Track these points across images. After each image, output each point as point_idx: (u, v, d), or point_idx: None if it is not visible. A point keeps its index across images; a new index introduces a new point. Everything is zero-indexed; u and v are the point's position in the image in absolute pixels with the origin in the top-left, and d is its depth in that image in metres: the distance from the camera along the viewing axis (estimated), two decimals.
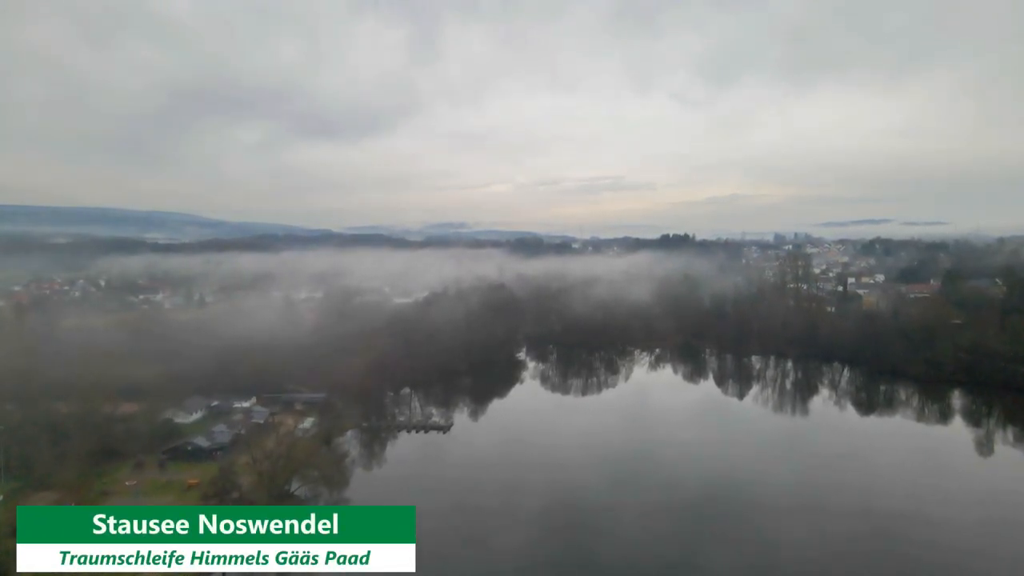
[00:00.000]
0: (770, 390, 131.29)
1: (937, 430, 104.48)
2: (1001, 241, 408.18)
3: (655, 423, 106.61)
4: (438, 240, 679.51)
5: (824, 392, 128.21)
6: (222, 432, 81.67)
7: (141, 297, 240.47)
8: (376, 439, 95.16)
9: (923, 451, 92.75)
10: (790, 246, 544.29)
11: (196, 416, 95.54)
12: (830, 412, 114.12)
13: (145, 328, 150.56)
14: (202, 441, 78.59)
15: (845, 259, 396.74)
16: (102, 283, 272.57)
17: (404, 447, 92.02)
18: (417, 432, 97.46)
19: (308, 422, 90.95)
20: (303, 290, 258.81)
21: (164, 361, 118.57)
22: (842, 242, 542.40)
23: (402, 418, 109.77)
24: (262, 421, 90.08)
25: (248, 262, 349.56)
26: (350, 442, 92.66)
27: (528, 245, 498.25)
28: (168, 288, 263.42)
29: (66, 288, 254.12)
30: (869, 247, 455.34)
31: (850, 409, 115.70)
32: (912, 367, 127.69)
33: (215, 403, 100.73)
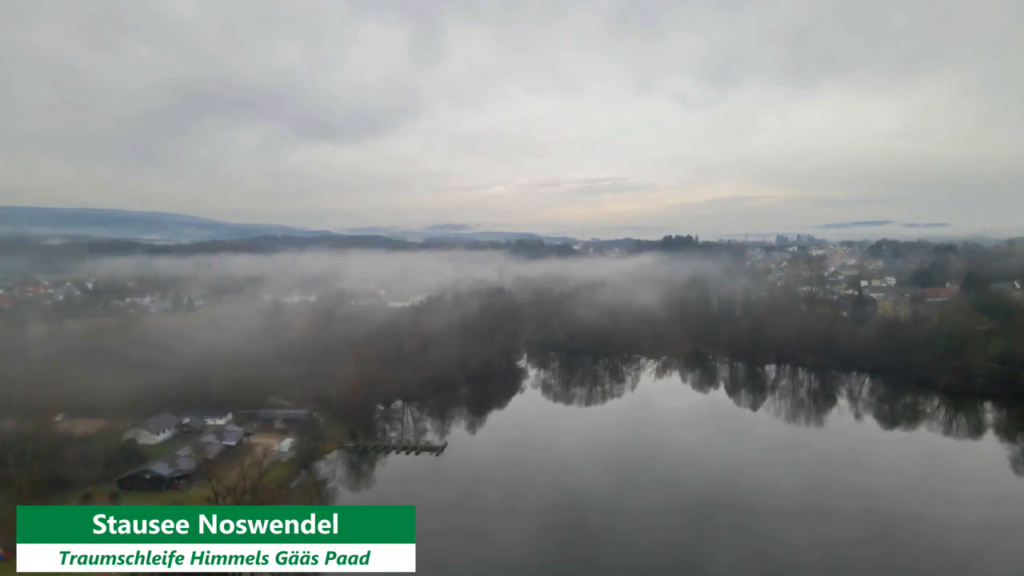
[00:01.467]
0: (790, 402, 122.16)
1: (970, 446, 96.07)
2: (1010, 243, 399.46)
3: (666, 437, 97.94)
4: (437, 241, 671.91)
5: (847, 404, 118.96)
6: (187, 457, 72.91)
7: (128, 301, 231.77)
8: (362, 461, 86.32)
9: (960, 468, 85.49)
10: (794, 248, 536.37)
11: (163, 436, 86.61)
12: (855, 426, 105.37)
13: (123, 334, 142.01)
14: (162, 468, 69.76)
15: (852, 261, 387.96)
16: (89, 286, 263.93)
17: (391, 472, 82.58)
18: (407, 453, 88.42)
19: (286, 443, 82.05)
20: (296, 293, 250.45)
21: (136, 372, 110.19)
22: (847, 244, 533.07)
23: (394, 433, 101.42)
24: (234, 443, 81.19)
25: (243, 264, 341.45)
26: (334, 464, 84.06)
27: (529, 247, 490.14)
28: (157, 291, 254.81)
29: (51, 291, 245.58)
30: (876, 249, 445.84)
31: (879, 424, 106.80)
32: (941, 378, 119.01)
33: (186, 421, 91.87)
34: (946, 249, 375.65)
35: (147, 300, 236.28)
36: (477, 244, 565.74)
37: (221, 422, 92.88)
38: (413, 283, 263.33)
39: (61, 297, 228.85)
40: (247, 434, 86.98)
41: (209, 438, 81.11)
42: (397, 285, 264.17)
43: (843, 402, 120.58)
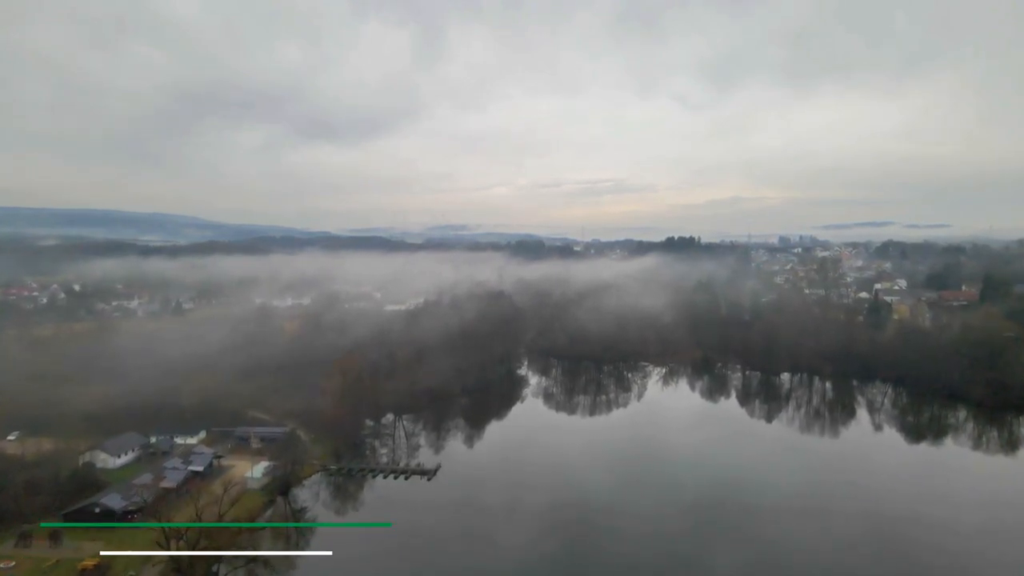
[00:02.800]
0: (813, 416, 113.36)
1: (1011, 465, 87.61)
2: (1021, 244, 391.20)
3: (682, 455, 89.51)
4: (437, 242, 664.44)
5: (878, 419, 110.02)
6: (146, 485, 64.52)
7: (114, 304, 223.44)
8: (347, 485, 77.68)
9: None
10: (798, 249, 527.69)
11: (126, 459, 78.12)
12: (883, 442, 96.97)
13: (99, 341, 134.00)
14: (115, 500, 61.35)
15: (859, 263, 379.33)
16: (76, 288, 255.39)
17: (374, 501, 73.48)
18: (396, 477, 79.86)
19: (260, 468, 73.63)
20: (289, 296, 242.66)
21: (106, 382, 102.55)
22: (852, 245, 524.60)
23: (384, 450, 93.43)
24: (201, 468, 72.74)
25: (238, 265, 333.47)
26: (314, 489, 75.43)
27: (529, 248, 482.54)
28: (146, 294, 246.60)
29: (36, 293, 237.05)
30: (882, 250, 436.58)
31: (914, 441, 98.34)
32: (974, 390, 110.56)
33: (153, 440, 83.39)
34: (955, 250, 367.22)
35: (134, 303, 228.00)
36: (477, 245, 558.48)
37: (192, 441, 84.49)
38: (411, 285, 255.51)
39: (44, 300, 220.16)
40: (218, 456, 78.46)
41: (174, 462, 72.60)
42: (394, 287, 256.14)
43: (871, 416, 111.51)
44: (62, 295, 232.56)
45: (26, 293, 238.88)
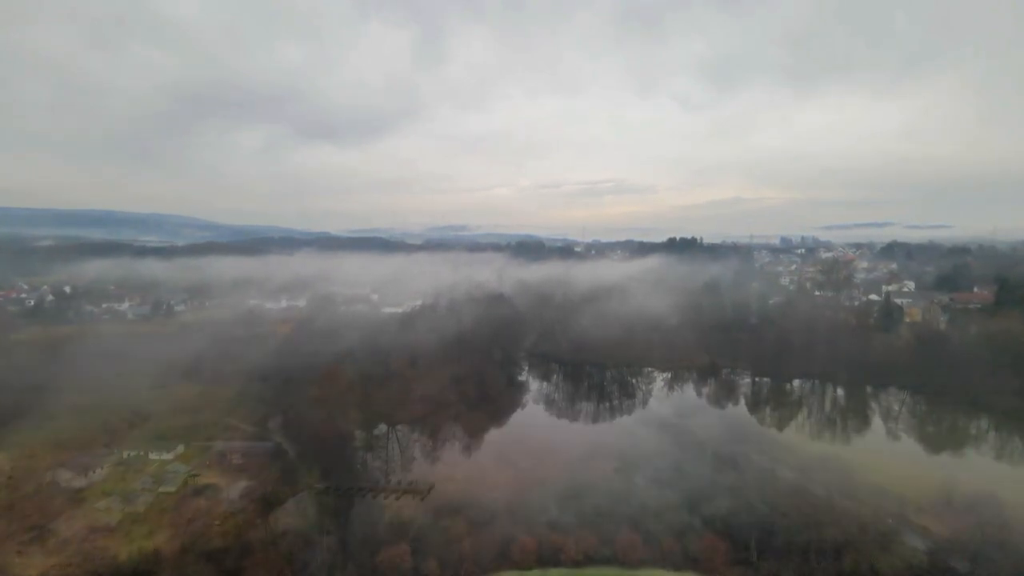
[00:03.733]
0: (827, 424, 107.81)
1: None
2: None
3: (692, 463, 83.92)
4: (437, 243, 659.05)
5: (894, 427, 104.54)
6: (109, 510, 58.75)
7: (104, 306, 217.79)
8: (333, 506, 71.96)
9: None
10: (801, 250, 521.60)
11: (94, 477, 72.36)
12: (902, 451, 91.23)
13: (81, 345, 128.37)
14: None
15: (864, 264, 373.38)
16: (67, 290, 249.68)
17: (358, 525, 67.55)
18: (386, 497, 74.10)
19: (239, 488, 67.88)
20: (284, 298, 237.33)
21: (81, 391, 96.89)
22: (856, 246, 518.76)
23: (377, 463, 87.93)
24: (173, 489, 66.94)
25: (234, 266, 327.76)
26: (299, 509, 69.71)
27: (529, 248, 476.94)
28: (138, 296, 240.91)
29: (24, 295, 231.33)
30: (887, 251, 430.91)
31: (934, 452, 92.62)
32: (1000, 399, 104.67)
33: (125, 455, 77.54)
34: (961, 251, 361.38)
35: (125, 305, 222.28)
36: (477, 246, 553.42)
37: (168, 456, 78.65)
38: (409, 286, 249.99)
39: (32, 302, 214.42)
40: (193, 475, 72.66)
41: (144, 481, 66.92)
42: (392, 289, 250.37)
43: (893, 425, 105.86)
44: (50, 297, 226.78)
45: (14, 295, 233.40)
